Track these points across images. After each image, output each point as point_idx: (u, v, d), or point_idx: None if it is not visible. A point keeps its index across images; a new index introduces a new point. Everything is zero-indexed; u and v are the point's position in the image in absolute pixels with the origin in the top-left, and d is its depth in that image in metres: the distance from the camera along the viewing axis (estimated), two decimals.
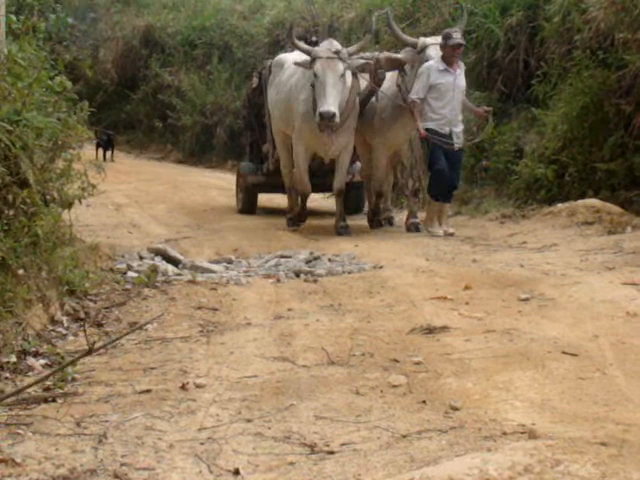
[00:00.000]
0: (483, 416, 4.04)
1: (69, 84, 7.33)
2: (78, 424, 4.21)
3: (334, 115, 8.96)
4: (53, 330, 6.04)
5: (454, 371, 4.77)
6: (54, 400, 4.56)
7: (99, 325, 6.28)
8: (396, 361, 5.03)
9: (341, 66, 9.38)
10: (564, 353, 4.96)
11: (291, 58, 10.90)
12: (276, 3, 20.42)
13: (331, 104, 9.01)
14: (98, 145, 17.55)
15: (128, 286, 7.52)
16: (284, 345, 5.59)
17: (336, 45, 9.86)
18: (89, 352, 4.72)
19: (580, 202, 9.40)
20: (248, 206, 12.46)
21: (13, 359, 5.16)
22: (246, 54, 19.32)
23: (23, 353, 5.32)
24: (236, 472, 3.57)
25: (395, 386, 4.57)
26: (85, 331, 5.54)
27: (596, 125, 9.56)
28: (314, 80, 9.36)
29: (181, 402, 4.51)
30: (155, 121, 21.00)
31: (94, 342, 5.09)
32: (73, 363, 4.93)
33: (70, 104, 7.33)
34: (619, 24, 10.27)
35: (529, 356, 4.97)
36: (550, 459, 3.40)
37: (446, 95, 9.28)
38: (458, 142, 9.56)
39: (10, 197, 5.94)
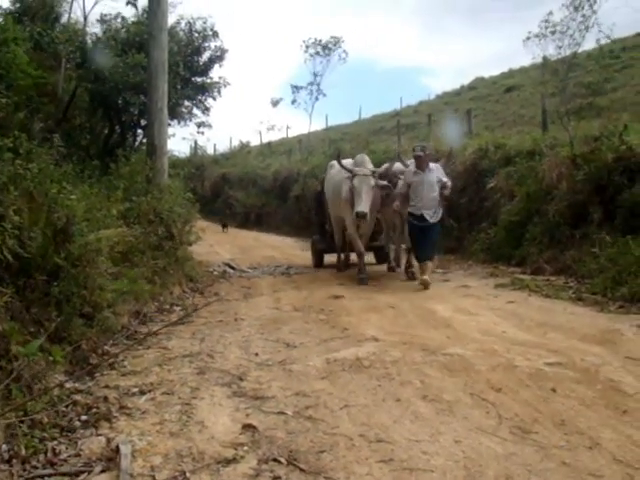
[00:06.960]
0: (357, 332, 4.04)
1: (192, 197, 7.26)
2: (193, 334, 4.24)
3: (365, 214, 6.32)
4: (184, 295, 6.00)
5: (346, 314, 4.74)
6: (183, 324, 4.58)
7: (202, 294, 6.21)
8: (322, 310, 4.94)
9: (372, 181, 6.55)
10: (390, 307, 4.94)
11: (336, 163, 7.37)
12: (276, 161, 19.93)
13: (364, 207, 6.34)
14: (222, 225, 16.40)
15: (213, 278, 7.36)
16: (276, 303, 5.52)
17: (367, 160, 6.97)
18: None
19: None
20: (318, 262, 8.92)
21: (167, 307, 5.24)
22: (263, 185, 18.67)
23: (171, 305, 5.34)
24: (256, 354, 3.57)
25: (322, 320, 4.54)
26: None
27: None
28: (353, 189, 6.56)
29: (234, 325, 4.51)
30: (226, 211, 20.51)
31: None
32: (193, 312, 4.94)
33: (191, 204, 7.21)
34: None
35: (376, 308, 4.94)
36: (383, 350, 3.47)
37: (417, 189, 6.32)
38: (430, 220, 6.32)
39: (165, 244, 5.97)
